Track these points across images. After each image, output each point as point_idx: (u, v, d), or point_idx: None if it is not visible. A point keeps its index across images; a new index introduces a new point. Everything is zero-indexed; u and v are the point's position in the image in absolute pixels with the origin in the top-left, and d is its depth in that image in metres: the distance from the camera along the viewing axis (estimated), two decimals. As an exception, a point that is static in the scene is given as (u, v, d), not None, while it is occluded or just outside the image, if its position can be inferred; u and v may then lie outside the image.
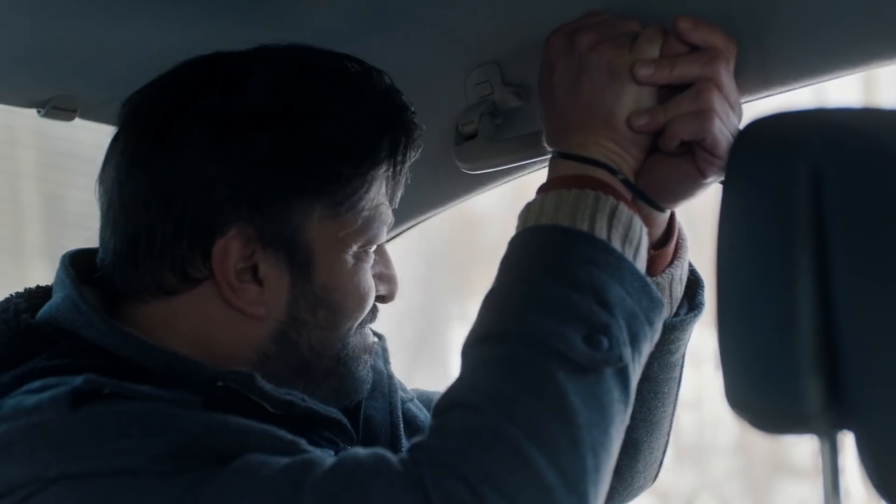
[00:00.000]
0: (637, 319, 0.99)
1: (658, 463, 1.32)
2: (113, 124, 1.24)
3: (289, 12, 1.30)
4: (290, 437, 1.03)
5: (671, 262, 1.18)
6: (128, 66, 1.41)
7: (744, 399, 0.73)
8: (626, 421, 1.00)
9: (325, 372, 1.18)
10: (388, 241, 1.26)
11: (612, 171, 1.06)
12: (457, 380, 1.00)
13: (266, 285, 1.14)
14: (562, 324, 0.96)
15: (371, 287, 1.18)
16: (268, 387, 1.09)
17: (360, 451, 1.00)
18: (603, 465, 0.95)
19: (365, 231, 1.16)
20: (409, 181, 1.22)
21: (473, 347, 1.00)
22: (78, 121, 1.54)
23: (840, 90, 1.27)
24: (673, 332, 1.20)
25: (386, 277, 1.22)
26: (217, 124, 1.13)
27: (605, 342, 0.96)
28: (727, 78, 1.06)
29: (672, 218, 1.18)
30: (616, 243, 1.01)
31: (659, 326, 1.02)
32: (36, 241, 2.68)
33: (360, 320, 1.19)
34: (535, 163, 1.32)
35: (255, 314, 1.14)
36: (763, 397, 0.72)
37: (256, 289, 1.14)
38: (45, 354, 1.09)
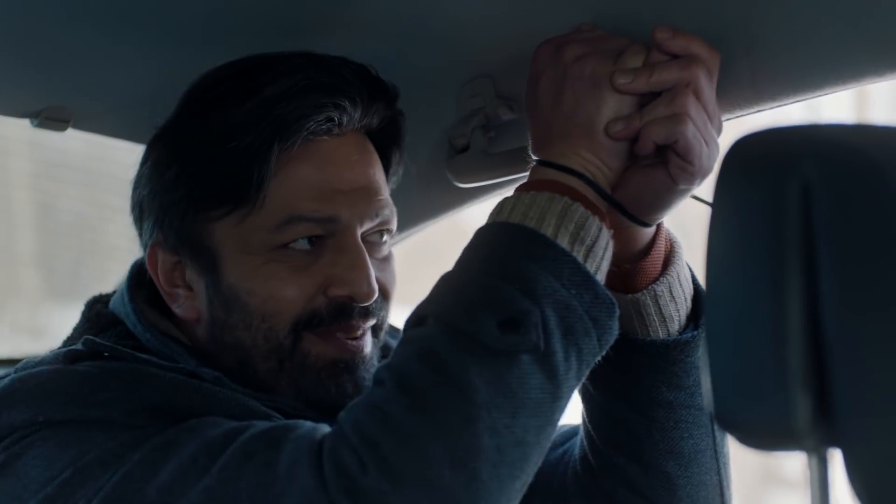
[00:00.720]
0: (573, 312, 0.99)
1: None
2: (106, 134, 1.25)
3: (281, 27, 1.30)
4: (263, 408, 1.12)
5: (656, 279, 1.18)
6: (120, 78, 1.41)
7: (733, 415, 0.73)
8: (556, 413, 1.00)
9: (270, 372, 1.20)
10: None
11: (588, 181, 1.07)
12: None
13: (193, 289, 1.22)
14: (478, 308, 0.98)
15: (281, 288, 1.18)
16: (233, 386, 1.15)
17: (305, 423, 1.06)
18: (509, 447, 0.96)
19: (272, 231, 1.18)
20: (400, 193, 1.23)
21: (404, 332, 1.04)
22: (71, 131, 1.54)
23: (833, 107, 1.27)
24: (670, 353, 1.19)
25: (346, 280, 1.18)
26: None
27: (521, 328, 0.97)
28: (706, 84, 1.07)
29: (658, 233, 1.18)
30: (563, 240, 1.02)
31: (610, 326, 1.02)
32: (28, 251, 2.68)
33: (279, 321, 1.18)
34: (527, 176, 1.32)
35: (190, 317, 1.23)
36: (752, 414, 0.72)
37: (186, 293, 1.23)
38: (101, 335, 1.22)
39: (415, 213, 1.50)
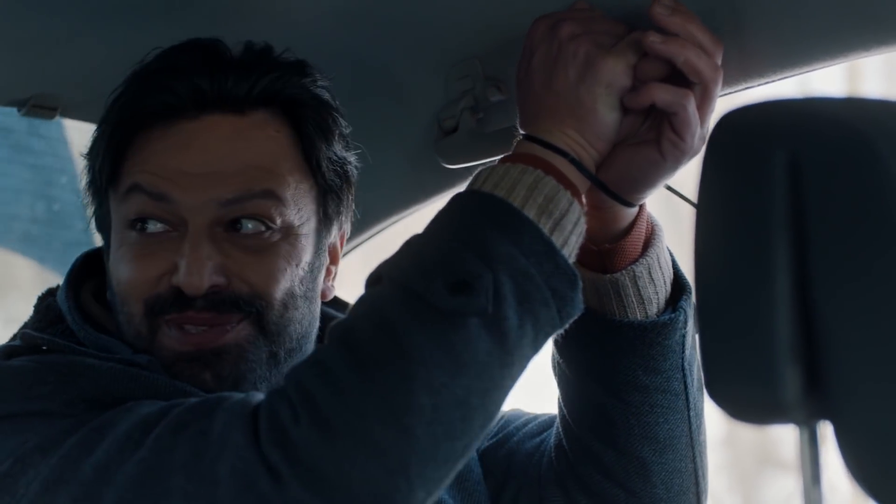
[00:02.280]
0: (531, 280, 0.99)
1: (691, 494, 1.27)
2: (94, 122, 1.25)
3: (266, 10, 1.30)
4: (202, 392, 1.11)
5: (636, 260, 1.18)
6: (108, 65, 1.40)
7: (724, 389, 0.73)
8: (506, 380, 0.99)
9: (147, 360, 1.17)
10: (370, 237, 1.25)
11: (572, 160, 1.07)
12: None
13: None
14: (429, 269, 0.98)
15: (121, 269, 1.17)
16: (162, 374, 1.14)
17: (238, 394, 1.06)
18: (447, 407, 0.96)
19: (120, 204, 1.19)
20: (389, 175, 1.22)
21: (364, 290, 1.04)
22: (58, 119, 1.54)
23: (824, 81, 1.27)
24: (647, 335, 1.19)
25: (178, 268, 1.14)
26: None
27: (472, 292, 0.96)
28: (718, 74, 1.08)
29: (639, 216, 1.18)
30: (530, 211, 1.01)
31: (571, 297, 1.01)
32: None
33: (132, 305, 1.17)
34: (516, 156, 1.32)
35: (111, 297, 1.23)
36: (742, 387, 0.72)
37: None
38: (49, 330, 1.20)
39: (404, 195, 1.49)
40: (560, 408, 1.28)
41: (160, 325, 1.16)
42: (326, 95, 1.23)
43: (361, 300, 1.02)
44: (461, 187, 1.53)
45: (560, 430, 1.28)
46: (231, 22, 1.30)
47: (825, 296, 0.69)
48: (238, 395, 1.04)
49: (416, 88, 1.38)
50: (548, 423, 1.35)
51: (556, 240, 1.01)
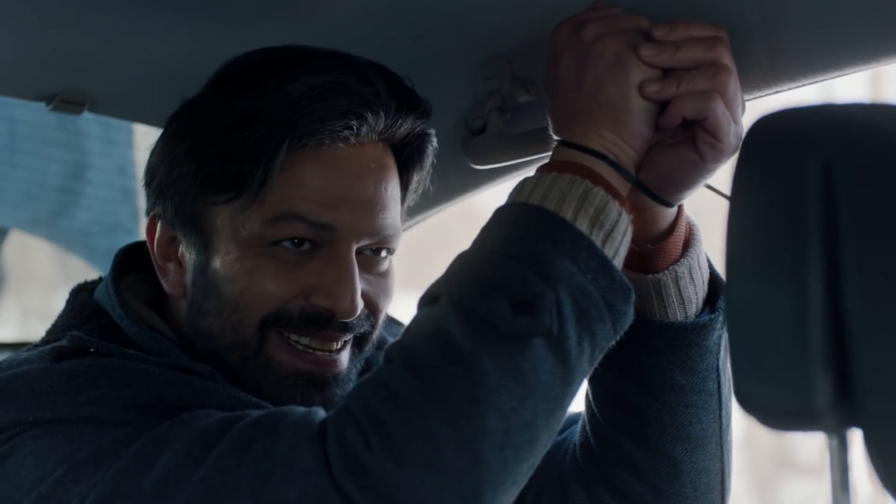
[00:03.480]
0: (589, 297, 0.99)
1: (716, 493, 1.27)
2: (121, 117, 1.25)
3: (296, 11, 1.30)
4: (255, 399, 1.12)
5: (677, 261, 1.18)
6: (136, 60, 1.41)
7: (753, 396, 0.73)
8: (567, 398, 1.00)
9: (235, 369, 1.19)
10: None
11: (611, 163, 1.06)
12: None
13: (183, 265, 1.22)
14: (491, 290, 0.98)
15: (264, 284, 1.17)
16: (226, 383, 1.15)
17: (298, 408, 1.05)
18: (516, 431, 0.96)
19: (266, 225, 1.16)
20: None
21: (417, 309, 1.03)
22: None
23: (847, 87, 1.27)
24: (687, 335, 1.19)
25: (331, 292, 1.17)
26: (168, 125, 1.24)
27: (535, 312, 0.96)
28: (731, 63, 1.07)
29: (679, 215, 1.18)
30: (582, 224, 1.01)
31: (625, 311, 1.01)
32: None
33: (250, 315, 1.17)
34: (544, 158, 1.32)
35: (176, 293, 1.23)
36: (773, 394, 0.72)
37: (178, 268, 1.23)
38: (85, 328, 1.20)
39: (431, 195, 1.49)
40: (588, 405, 1.27)
41: (269, 336, 1.18)
42: (430, 130, 1.27)
43: (420, 320, 1.02)
44: (488, 188, 1.54)
45: (587, 427, 1.28)
46: (258, 21, 1.30)
47: (857, 303, 0.69)
48: (299, 410, 1.04)
49: (444, 88, 1.38)
50: (570, 420, 1.35)
51: (608, 252, 1.02)
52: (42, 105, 1.51)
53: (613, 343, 1.03)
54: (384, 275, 1.24)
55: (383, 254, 1.23)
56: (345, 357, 1.22)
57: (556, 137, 1.11)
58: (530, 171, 1.41)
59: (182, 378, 1.11)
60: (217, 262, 1.18)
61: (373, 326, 1.23)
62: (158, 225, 1.23)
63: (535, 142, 1.26)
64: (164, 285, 1.23)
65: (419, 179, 1.28)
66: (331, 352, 1.20)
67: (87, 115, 1.56)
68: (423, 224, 1.70)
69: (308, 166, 1.16)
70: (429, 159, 1.27)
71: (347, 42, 1.22)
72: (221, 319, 1.19)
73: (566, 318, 0.97)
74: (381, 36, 1.30)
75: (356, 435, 0.96)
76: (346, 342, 1.22)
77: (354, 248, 1.18)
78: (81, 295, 1.27)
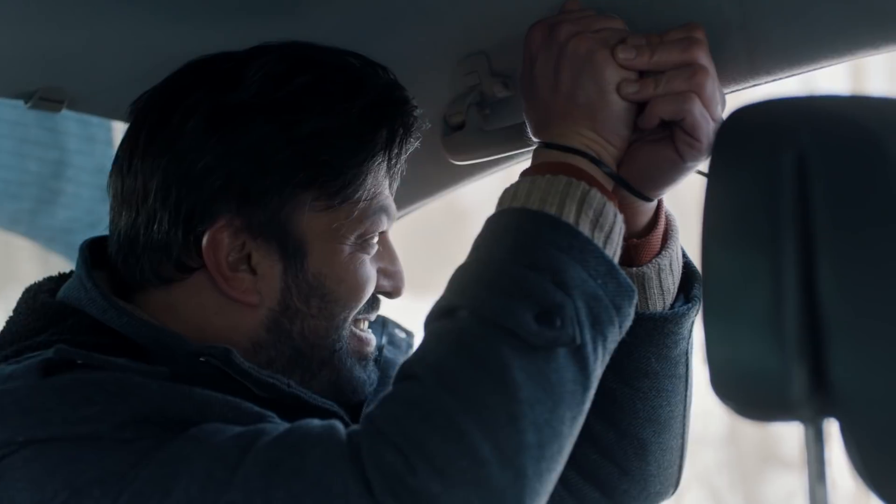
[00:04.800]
0: (600, 302, 1.00)
1: (675, 468, 1.30)
2: (100, 115, 1.24)
3: (276, 7, 1.29)
4: (256, 409, 1.07)
5: (659, 253, 1.19)
6: (116, 58, 1.41)
7: (729, 387, 0.73)
8: (586, 403, 1.01)
9: (319, 362, 1.19)
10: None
11: (592, 160, 1.07)
12: (412, 353, 1.04)
13: (259, 274, 1.17)
14: (513, 301, 0.98)
15: (369, 278, 1.19)
16: (246, 364, 1.11)
17: (314, 421, 1.03)
18: (549, 442, 0.97)
19: (361, 221, 1.18)
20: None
21: (431, 322, 1.03)
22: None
23: (829, 79, 1.27)
24: (666, 325, 1.20)
25: (390, 273, 1.23)
26: (210, 116, 1.15)
27: (558, 321, 0.97)
28: (708, 63, 1.07)
29: (659, 208, 1.19)
30: (584, 227, 1.02)
31: (629, 312, 1.03)
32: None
33: (354, 310, 1.20)
34: (523, 153, 1.32)
35: (249, 302, 1.17)
36: (748, 385, 0.72)
37: (250, 277, 1.17)
38: (51, 330, 1.15)
39: (411, 191, 1.49)
40: None
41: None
42: None
43: (439, 335, 1.01)
44: (468, 183, 1.54)
45: None
46: (239, 18, 1.29)
47: (832, 293, 0.69)
48: (316, 425, 1.02)
49: (423, 83, 1.38)
50: None
51: (609, 253, 1.03)
52: (20, 103, 1.50)
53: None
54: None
55: None
56: None
57: (534, 139, 1.12)
58: (510, 166, 1.42)
59: (181, 389, 1.06)
60: (318, 265, 1.17)
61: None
62: (226, 237, 1.15)
63: (514, 137, 1.26)
64: (234, 294, 1.17)
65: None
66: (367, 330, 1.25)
67: (66, 113, 1.55)
68: (405, 220, 1.70)
69: (374, 165, 1.19)
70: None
71: (327, 37, 1.21)
72: (327, 319, 1.18)
73: (584, 325, 0.98)
74: (360, 31, 1.30)
75: (396, 457, 0.95)
76: None
77: None
78: (41, 296, 1.21)
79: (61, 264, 2.29)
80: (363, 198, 1.17)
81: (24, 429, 1.02)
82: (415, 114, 1.21)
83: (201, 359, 1.11)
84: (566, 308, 0.97)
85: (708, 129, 1.06)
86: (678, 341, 1.21)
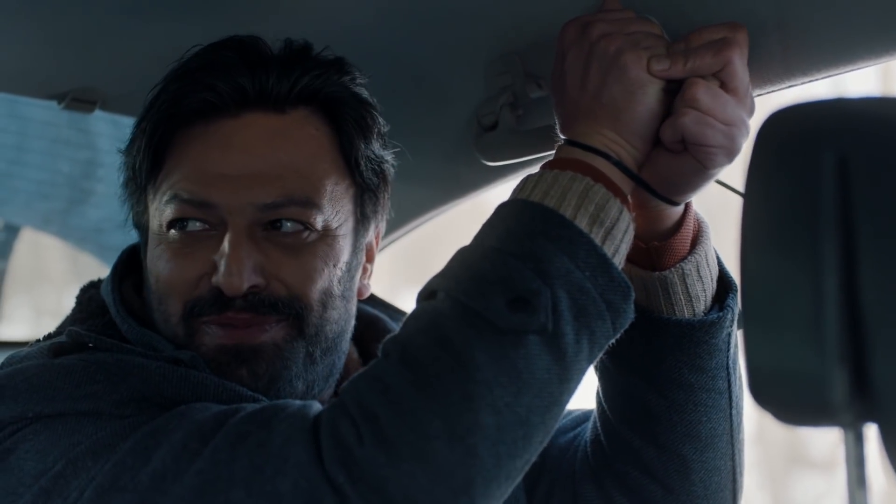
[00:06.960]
0: (587, 295, 0.99)
1: (728, 492, 1.26)
2: (133, 115, 1.25)
3: (304, 8, 1.30)
4: (250, 392, 1.12)
5: (684, 258, 1.18)
6: (147, 59, 1.41)
7: (768, 392, 0.73)
8: (565, 395, 1.00)
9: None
10: (406, 234, 1.24)
11: (611, 160, 1.06)
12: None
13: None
14: (487, 285, 0.98)
15: (165, 271, 1.17)
16: (206, 371, 1.14)
17: (296, 402, 1.05)
18: (509, 427, 0.96)
19: (160, 211, 1.18)
20: (427, 172, 1.22)
21: (416, 304, 1.03)
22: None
23: (857, 81, 1.26)
24: (695, 333, 1.18)
25: (218, 268, 1.15)
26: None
27: (531, 309, 0.96)
28: (740, 66, 1.07)
29: (687, 213, 1.18)
30: (581, 221, 1.01)
31: (624, 310, 1.02)
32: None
33: (173, 306, 1.17)
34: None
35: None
36: (788, 390, 0.71)
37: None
38: (88, 323, 1.21)
39: (442, 191, 1.49)
40: (599, 402, 1.27)
41: (199, 328, 1.17)
42: (365, 94, 1.24)
43: (417, 315, 1.02)
44: (500, 184, 1.54)
45: (598, 424, 1.28)
46: (269, 19, 1.30)
47: (873, 297, 0.69)
48: (295, 404, 1.04)
49: (455, 85, 1.38)
50: (582, 417, 1.35)
51: (608, 250, 1.02)
52: (54, 104, 1.51)
53: (613, 341, 1.03)
54: (297, 251, 1.18)
55: (288, 226, 1.17)
56: (271, 333, 1.17)
57: (561, 136, 1.11)
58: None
59: (178, 372, 1.11)
60: (147, 257, 1.21)
61: (303, 309, 1.17)
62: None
63: (547, 138, 1.25)
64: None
65: (362, 137, 1.22)
66: (242, 329, 1.17)
67: (98, 114, 1.56)
68: (434, 220, 1.70)
69: (194, 143, 1.17)
70: (366, 113, 1.23)
71: (358, 40, 1.22)
72: (155, 313, 1.20)
73: (562, 315, 0.98)
74: (392, 33, 1.30)
75: (349, 428, 0.96)
76: (261, 323, 1.17)
77: (244, 223, 1.15)
78: (90, 291, 1.27)
79: (92, 264, 2.30)
80: (163, 185, 1.19)
81: (33, 404, 1.08)
82: (198, 96, 1.18)
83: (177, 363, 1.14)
84: (541, 296, 0.97)
85: (714, 136, 1.06)
86: (713, 352, 1.19)
